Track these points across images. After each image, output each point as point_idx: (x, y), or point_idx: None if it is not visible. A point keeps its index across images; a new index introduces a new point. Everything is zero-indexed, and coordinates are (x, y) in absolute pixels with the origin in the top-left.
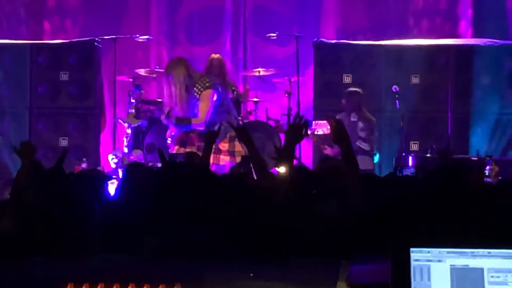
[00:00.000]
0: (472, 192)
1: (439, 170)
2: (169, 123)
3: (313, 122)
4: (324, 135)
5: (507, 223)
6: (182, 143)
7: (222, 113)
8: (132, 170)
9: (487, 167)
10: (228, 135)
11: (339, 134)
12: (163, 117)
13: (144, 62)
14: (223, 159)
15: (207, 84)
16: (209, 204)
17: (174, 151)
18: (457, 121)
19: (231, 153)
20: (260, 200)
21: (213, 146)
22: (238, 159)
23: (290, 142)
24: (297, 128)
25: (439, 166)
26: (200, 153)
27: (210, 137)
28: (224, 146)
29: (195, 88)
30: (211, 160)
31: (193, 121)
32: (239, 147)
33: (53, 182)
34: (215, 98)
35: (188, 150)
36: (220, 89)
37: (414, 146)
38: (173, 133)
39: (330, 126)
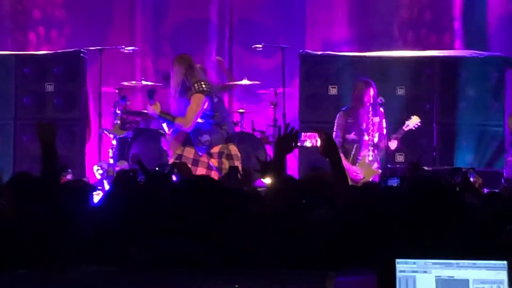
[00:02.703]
0: (456, 205)
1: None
2: (153, 115)
3: (302, 133)
4: (313, 147)
5: (492, 235)
6: (178, 156)
7: (212, 125)
8: (120, 180)
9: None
10: (216, 151)
11: (328, 147)
12: (148, 107)
13: (130, 73)
14: (214, 174)
15: (201, 89)
16: (193, 215)
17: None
18: (442, 133)
19: (219, 170)
20: (247, 211)
21: (206, 162)
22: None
23: (280, 153)
24: (287, 140)
25: (410, 179)
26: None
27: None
28: (214, 162)
29: (190, 90)
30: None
31: (177, 120)
32: (226, 163)
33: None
34: (206, 105)
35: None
36: (215, 100)
37: (400, 158)
38: (167, 137)
39: (319, 138)
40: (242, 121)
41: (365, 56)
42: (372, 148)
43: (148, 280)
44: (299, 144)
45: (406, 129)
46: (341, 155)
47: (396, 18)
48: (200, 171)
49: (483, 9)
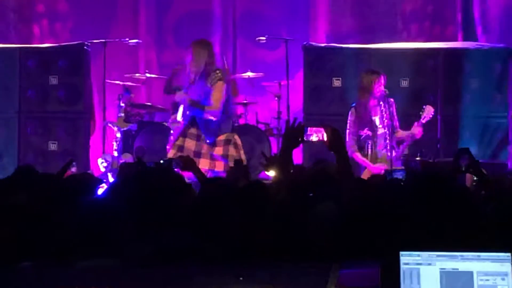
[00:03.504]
0: (460, 196)
1: (424, 175)
2: (183, 102)
3: (308, 128)
4: (319, 142)
5: (496, 227)
6: (179, 148)
7: (222, 114)
8: (124, 173)
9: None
10: (222, 139)
11: (335, 142)
12: (178, 94)
13: (133, 66)
14: (218, 165)
15: (221, 75)
16: (197, 208)
17: (170, 156)
18: (446, 124)
19: (225, 157)
20: (253, 204)
21: (208, 153)
22: (231, 164)
23: (286, 147)
24: (294, 134)
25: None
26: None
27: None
28: (218, 150)
29: (209, 77)
30: (207, 167)
31: (207, 108)
32: (232, 151)
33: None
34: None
35: (184, 155)
36: (227, 87)
37: (404, 150)
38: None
39: (326, 133)
40: (246, 113)
41: (369, 48)
42: (388, 139)
43: (152, 273)
44: (305, 138)
45: (424, 121)
46: (358, 153)
47: (399, 10)
48: (203, 162)
49: (487, 0)
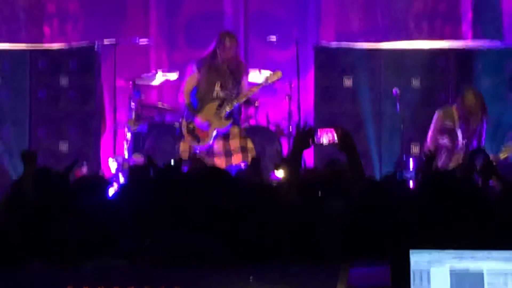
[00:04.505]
0: (473, 195)
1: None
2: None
3: (318, 130)
4: (330, 143)
5: (507, 225)
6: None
7: None
8: (133, 175)
9: None
10: (236, 131)
11: (345, 142)
12: None
13: (144, 67)
14: (235, 158)
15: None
16: (208, 208)
17: None
18: None
19: (244, 149)
20: (263, 204)
21: (222, 148)
22: (250, 155)
23: (296, 149)
24: (305, 136)
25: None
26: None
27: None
28: (234, 143)
29: (242, 65)
30: (224, 164)
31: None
32: (250, 143)
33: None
34: None
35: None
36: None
37: (415, 149)
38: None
39: (336, 134)
40: (257, 114)
41: (380, 48)
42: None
43: (161, 274)
44: (316, 141)
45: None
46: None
47: (410, 9)
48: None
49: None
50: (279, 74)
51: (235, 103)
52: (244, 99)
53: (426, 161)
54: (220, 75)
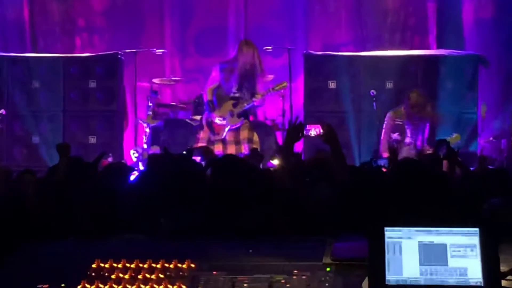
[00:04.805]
0: (437, 180)
1: (406, 162)
2: None
3: (307, 125)
4: (317, 136)
5: (466, 206)
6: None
7: None
8: (152, 162)
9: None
10: (246, 125)
11: (329, 135)
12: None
13: (160, 72)
14: (243, 147)
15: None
16: (213, 192)
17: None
18: None
19: (250, 140)
20: (260, 188)
21: (233, 138)
22: (255, 146)
23: (289, 140)
24: (296, 130)
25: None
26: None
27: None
28: (243, 134)
29: (261, 69)
30: (234, 152)
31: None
32: (256, 136)
33: (88, 175)
34: None
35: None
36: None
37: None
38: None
39: (322, 128)
40: (256, 112)
41: (359, 56)
42: (412, 149)
43: (174, 247)
44: (305, 133)
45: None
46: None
47: (385, 23)
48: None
49: (459, 14)
50: (285, 84)
51: (247, 104)
52: (256, 101)
53: (390, 153)
54: (238, 78)
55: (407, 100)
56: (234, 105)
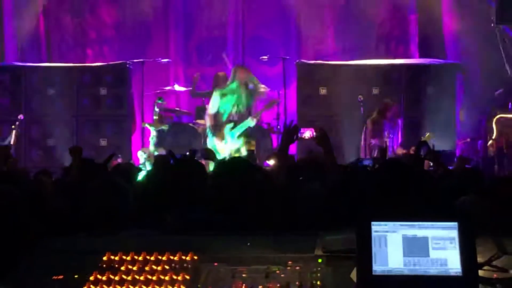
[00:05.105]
0: (419, 177)
1: (390, 161)
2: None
3: (301, 128)
4: (310, 138)
5: (445, 202)
6: None
7: None
8: (158, 163)
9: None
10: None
11: (322, 138)
12: None
13: (165, 79)
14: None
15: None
16: (216, 190)
17: None
18: (408, 123)
19: (248, 143)
20: (258, 186)
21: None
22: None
23: (285, 143)
24: (291, 133)
25: (381, 160)
26: None
27: (289, 132)
28: (243, 149)
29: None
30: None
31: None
32: (254, 142)
33: (99, 174)
34: None
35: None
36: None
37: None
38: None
39: (315, 131)
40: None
41: (347, 64)
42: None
43: (178, 241)
44: (299, 136)
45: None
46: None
47: (371, 34)
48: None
49: (439, 26)
50: (275, 101)
51: (244, 126)
52: (252, 122)
53: (381, 153)
54: (235, 101)
55: (383, 108)
56: (233, 128)
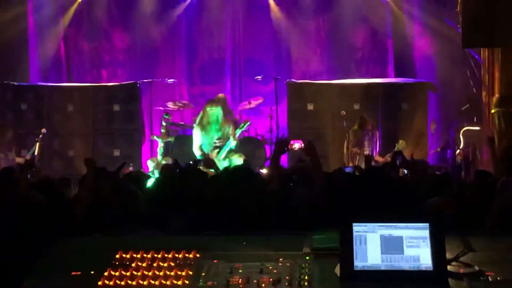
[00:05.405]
0: (395, 183)
1: (369, 169)
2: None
3: (291, 140)
4: (299, 149)
5: (418, 205)
6: None
7: None
8: (165, 171)
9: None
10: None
11: (310, 149)
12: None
13: (171, 97)
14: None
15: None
16: (215, 195)
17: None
18: (385, 135)
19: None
20: (253, 191)
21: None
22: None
23: (276, 153)
24: (282, 144)
25: (366, 166)
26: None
27: (281, 144)
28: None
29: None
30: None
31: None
32: (241, 156)
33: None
34: None
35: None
36: None
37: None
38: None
39: (303, 143)
40: (248, 129)
41: (332, 83)
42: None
43: (183, 239)
44: (289, 147)
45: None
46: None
47: (353, 56)
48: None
49: (412, 49)
50: (248, 122)
51: (226, 148)
52: (233, 143)
53: (366, 162)
54: (216, 132)
55: (362, 121)
56: (218, 153)
